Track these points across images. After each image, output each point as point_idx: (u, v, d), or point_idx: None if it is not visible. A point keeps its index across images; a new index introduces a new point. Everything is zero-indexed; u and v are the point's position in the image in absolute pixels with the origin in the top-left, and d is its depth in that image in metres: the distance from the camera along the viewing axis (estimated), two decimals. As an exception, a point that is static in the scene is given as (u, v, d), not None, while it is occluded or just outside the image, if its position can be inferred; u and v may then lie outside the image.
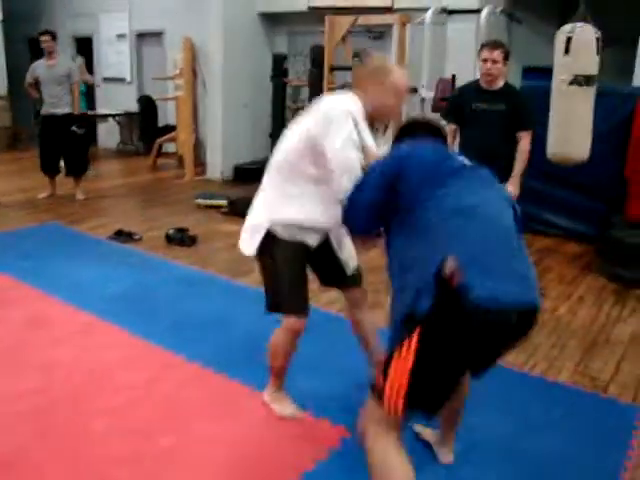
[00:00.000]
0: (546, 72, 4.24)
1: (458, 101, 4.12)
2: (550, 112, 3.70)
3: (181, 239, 5.40)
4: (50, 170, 7.07)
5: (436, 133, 2.27)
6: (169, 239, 5.46)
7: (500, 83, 3.94)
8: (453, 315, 1.66)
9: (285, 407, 2.75)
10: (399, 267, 1.93)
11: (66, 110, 6.85)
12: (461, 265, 1.66)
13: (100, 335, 3.63)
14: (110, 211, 6.83)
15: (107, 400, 2.90)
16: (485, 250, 1.76)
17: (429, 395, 1.78)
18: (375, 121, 2.42)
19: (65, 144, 6.93)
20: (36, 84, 6.89)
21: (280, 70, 7.93)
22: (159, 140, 9.02)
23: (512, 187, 3.98)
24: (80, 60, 8.21)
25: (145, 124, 9.70)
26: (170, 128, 9.22)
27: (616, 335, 3.84)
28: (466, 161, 2.08)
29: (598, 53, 3.45)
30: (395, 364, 1.72)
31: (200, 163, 8.71)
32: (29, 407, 2.83)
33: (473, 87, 4.07)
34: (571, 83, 3.46)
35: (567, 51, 3.42)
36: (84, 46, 11.04)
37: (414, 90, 6.08)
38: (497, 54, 3.81)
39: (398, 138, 2.28)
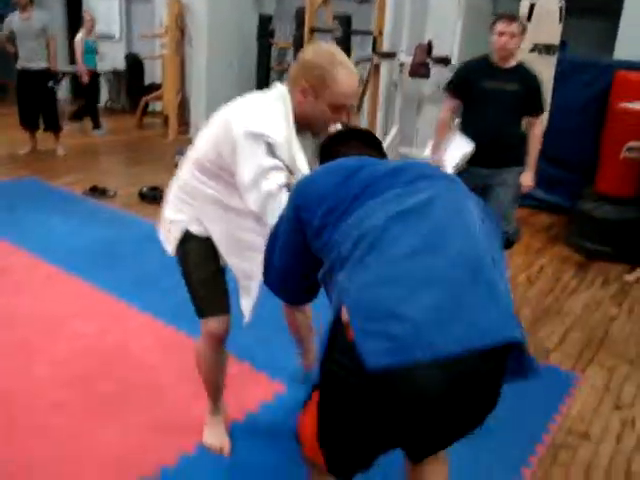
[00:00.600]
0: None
1: (466, 76, 3.66)
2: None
3: (154, 197, 5.42)
4: (29, 125, 7.06)
5: (365, 140, 1.84)
6: (142, 196, 5.50)
7: (514, 61, 3.58)
8: (349, 380, 1.31)
9: (210, 435, 2.37)
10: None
11: (42, 65, 6.81)
12: (351, 313, 1.30)
13: (61, 286, 3.70)
14: (89, 168, 6.82)
15: (55, 348, 2.98)
16: (392, 283, 1.31)
17: (341, 455, 1.46)
18: (305, 129, 1.98)
19: (42, 99, 6.91)
20: (11, 38, 6.83)
21: (266, 31, 7.87)
22: (145, 98, 8.99)
23: (527, 178, 3.68)
24: (89, 16, 8.15)
25: (131, 82, 9.65)
26: (156, 86, 9.17)
27: (569, 306, 3.90)
28: (382, 167, 1.60)
29: (561, 22, 3.43)
30: (311, 407, 1.45)
31: (185, 122, 8.69)
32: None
33: (484, 63, 3.62)
34: (531, 51, 3.42)
35: (529, 18, 3.39)
36: (73, 0, 10.89)
37: (393, 55, 6.06)
38: (515, 27, 3.43)
39: (322, 158, 1.84)
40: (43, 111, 6.99)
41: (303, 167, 1.90)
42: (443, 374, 1.22)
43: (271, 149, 1.81)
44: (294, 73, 1.91)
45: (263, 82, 8.03)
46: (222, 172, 1.95)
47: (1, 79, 10.61)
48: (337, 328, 1.35)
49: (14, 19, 6.77)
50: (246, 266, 2.10)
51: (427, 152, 3.87)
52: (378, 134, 6.69)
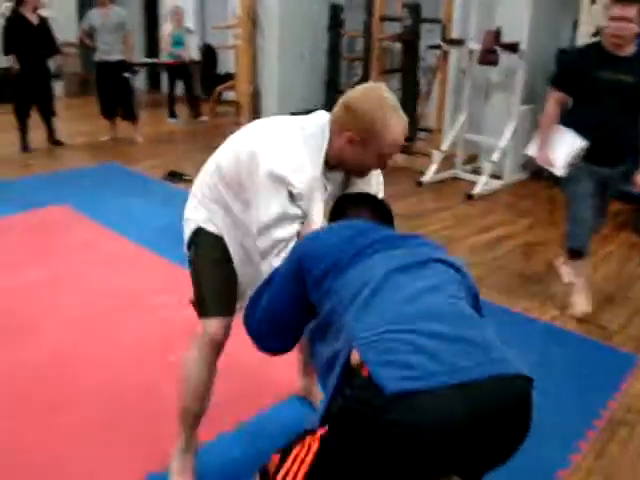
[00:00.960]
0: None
1: (576, 66, 3.33)
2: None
3: (227, 182, 5.67)
4: (108, 114, 7.51)
5: (378, 209, 1.83)
6: (217, 181, 5.75)
7: (631, 49, 3.21)
8: (368, 411, 1.23)
9: None
10: (320, 376, 1.58)
11: (118, 57, 7.25)
12: (363, 351, 1.29)
13: (143, 262, 3.99)
14: (166, 154, 7.15)
15: (137, 318, 3.26)
16: (391, 321, 1.34)
17: None
18: (340, 169, 1.90)
19: (119, 90, 7.33)
20: (90, 33, 7.30)
21: (337, 21, 7.99)
22: (218, 88, 9.29)
23: None
24: (178, 9, 8.63)
25: (205, 72, 9.96)
26: (230, 76, 9.45)
27: (635, 292, 3.90)
28: (391, 232, 1.70)
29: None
30: (297, 451, 1.36)
31: (257, 111, 8.93)
32: (72, 318, 3.24)
33: (595, 50, 3.28)
34: (595, 34, 3.32)
35: (594, 0, 3.32)
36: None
37: (462, 42, 6.09)
38: (632, 12, 3.07)
39: (331, 219, 1.84)
40: (120, 101, 7.42)
41: (318, 218, 1.82)
42: (466, 398, 1.21)
43: (292, 197, 1.74)
44: (340, 118, 1.79)
45: (333, 71, 8.18)
46: (240, 190, 1.89)
47: (83, 73, 11.14)
48: (348, 370, 1.34)
49: (93, 14, 7.25)
50: (252, 272, 1.99)
51: (531, 151, 3.62)
52: (447, 121, 6.74)
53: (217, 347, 2.02)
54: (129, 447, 2.32)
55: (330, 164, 1.83)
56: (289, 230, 1.76)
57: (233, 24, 8.70)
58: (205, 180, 2.02)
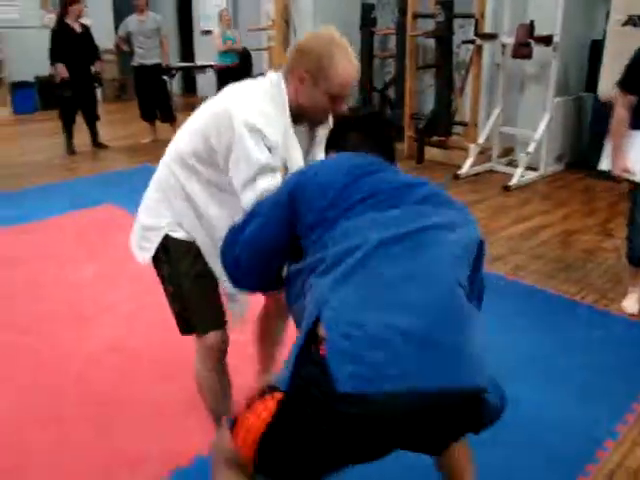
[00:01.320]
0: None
1: None
2: (603, 55, 3.59)
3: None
4: (147, 116, 7.78)
5: (377, 132, 1.74)
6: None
7: None
8: (315, 398, 1.25)
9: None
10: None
11: (154, 60, 7.53)
12: (329, 329, 1.26)
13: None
14: (205, 154, 7.35)
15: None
16: (366, 306, 1.29)
17: (280, 464, 1.34)
18: (302, 119, 1.88)
19: (156, 92, 7.60)
20: (127, 38, 7.55)
21: (369, 19, 8.07)
22: (253, 89, 9.46)
23: None
24: (226, 12, 8.87)
25: (241, 73, 10.14)
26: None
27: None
28: (391, 176, 1.56)
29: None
30: (259, 404, 1.34)
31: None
32: (124, 310, 3.43)
33: None
34: (625, 23, 3.31)
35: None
36: (184, 2, 11.53)
37: (495, 36, 6.15)
38: None
39: (329, 145, 1.79)
40: (158, 103, 7.69)
41: (298, 164, 1.82)
42: (412, 405, 1.21)
43: (269, 148, 1.73)
44: (293, 61, 1.80)
45: (366, 69, 8.26)
46: (205, 169, 1.84)
47: (120, 78, 11.42)
48: (311, 338, 1.31)
49: (131, 21, 7.52)
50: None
51: (605, 165, 3.42)
52: (482, 115, 6.80)
53: (220, 355, 2.00)
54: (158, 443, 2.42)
55: (292, 115, 1.83)
56: (273, 181, 1.72)
57: (268, 26, 8.87)
58: (162, 177, 1.93)
